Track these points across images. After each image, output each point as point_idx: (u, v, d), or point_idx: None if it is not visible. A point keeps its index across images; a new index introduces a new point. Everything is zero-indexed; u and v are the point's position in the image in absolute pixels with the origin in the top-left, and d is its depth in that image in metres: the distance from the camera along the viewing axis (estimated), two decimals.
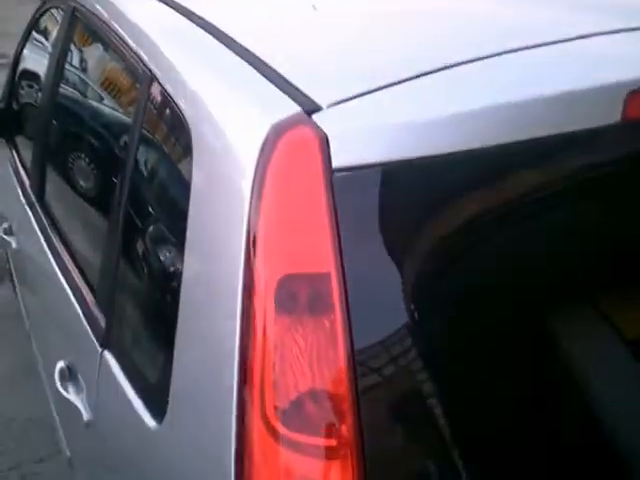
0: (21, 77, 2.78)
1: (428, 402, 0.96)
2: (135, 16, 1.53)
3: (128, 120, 1.44)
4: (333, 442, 0.89)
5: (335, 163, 0.93)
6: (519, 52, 1.11)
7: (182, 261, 1.07)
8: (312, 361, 0.91)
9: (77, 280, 1.60)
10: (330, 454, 0.89)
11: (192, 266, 1.06)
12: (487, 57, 1.09)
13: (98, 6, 1.73)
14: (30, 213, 2.08)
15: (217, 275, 1.00)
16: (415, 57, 1.12)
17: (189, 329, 1.06)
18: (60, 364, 1.53)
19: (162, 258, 1.23)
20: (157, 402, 1.12)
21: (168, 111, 1.21)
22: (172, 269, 1.13)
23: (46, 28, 2.50)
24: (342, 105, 0.99)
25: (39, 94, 2.33)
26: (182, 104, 1.16)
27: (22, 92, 2.79)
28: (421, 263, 0.98)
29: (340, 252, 0.91)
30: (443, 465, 0.95)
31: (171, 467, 1.09)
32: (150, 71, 1.30)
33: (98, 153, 1.75)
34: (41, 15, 2.52)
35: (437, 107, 1.00)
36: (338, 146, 0.93)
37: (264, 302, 0.92)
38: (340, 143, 0.94)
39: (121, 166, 1.39)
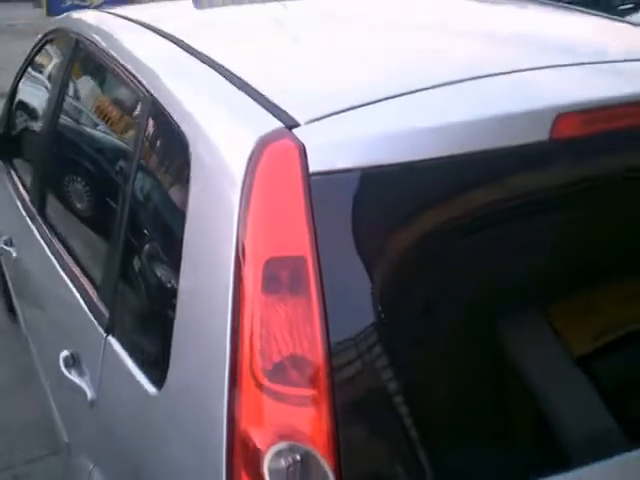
0: (19, 105, 2.98)
1: (389, 367, 1.16)
2: (136, 47, 1.76)
3: (131, 137, 1.64)
4: (308, 393, 1.09)
5: (311, 169, 1.14)
6: (472, 81, 1.34)
7: (181, 251, 1.27)
8: (292, 331, 1.11)
9: (81, 279, 1.79)
10: (305, 402, 1.09)
11: (190, 253, 1.26)
12: (443, 85, 1.31)
13: (100, 38, 1.96)
14: (31, 224, 2.27)
15: (212, 260, 1.20)
16: (378, 83, 1.35)
17: (188, 308, 1.26)
18: (64, 353, 1.71)
19: (162, 251, 1.44)
20: (158, 371, 1.31)
21: (168, 129, 1.42)
22: (171, 259, 1.33)
23: (47, 58, 2.71)
24: (317, 122, 1.20)
25: (38, 119, 2.53)
26: (180, 122, 1.37)
27: (20, 118, 2.99)
28: (384, 253, 1.19)
29: (315, 240, 1.12)
30: (402, 414, 1.15)
31: (171, 426, 1.28)
32: (151, 94, 1.52)
33: (102, 166, 1.96)
34: (42, 46, 2.73)
35: (394, 124, 1.22)
36: (314, 155, 1.14)
37: (253, 282, 1.12)
38: (315, 153, 1.15)
39: (125, 175, 1.59)
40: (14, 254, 2.46)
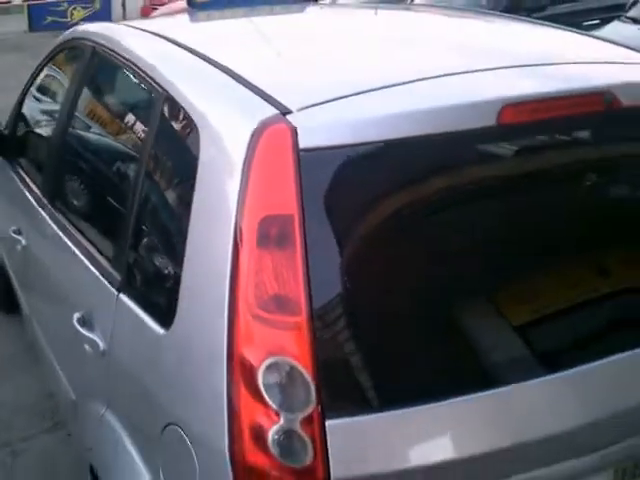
0: (30, 109, 3.26)
1: (357, 303, 1.43)
2: (149, 51, 2.07)
3: (147, 125, 1.91)
4: (292, 320, 1.36)
5: (301, 146, 1.42)
6: (439, 78, 1.65)
7: (190, 212, 1.55)
8: (277, 279, 1.38)
9: (93, 252, 2.06)
10: (290, 327, 1.36)
11: (198, 213, 1.53)
12: (413, 81, 1.62)
13: (117, 45, 2.25)
14: (43, 212, 2.54)
15: (217, 218, 1.47)
16: (357, 80, 1.65)
17: (194, 260, 1.53)
18: (77, 315, 1.97)
19: (172, 214, 1.72)
20: (166, 315, 1.58)
21: (180, 117, 1.71)
22: (181, 220, 1.60)
23: (61, 65, 2.98)
24: (305, 110, 1.49)
25: (52, 119, 2.81)
26: (191, 113, 1.66)
27: (29, 121, 3.26)
28: (358, 214, 1.47)
29: (302, 202, 1.40)
30: (366, 339, 1.42)
31: (178, 358, 1.55)
32: (165, 90, 1.80)
33: (118, 150, 2.23)
34: (54, 55, 3.01)
35: (368, 112, 1.51)
36: (302, 135, 1.43)
37: (249, 234, 1.40)
38: (304, 133, 1.43)
39: (140, 156, 1.87)
40: (23, 241, 2.71)
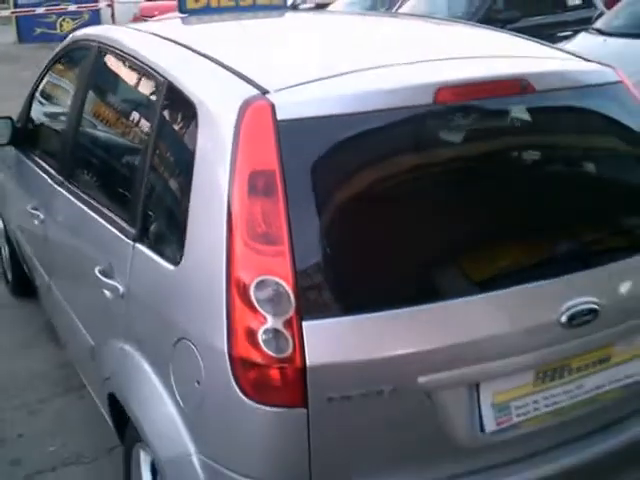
0: (41, 102, 3.67)
1: (329, 236, 1.81)
2: (151, 47, 2.53)
3: (152, 107, 2.32)
4: (276, 249, 1.77)
5: (278, 118, 1.83)
6: (392, 66, 2.09)
7: (192, 172, 1.96)
8: (264, 218, 1.79)
9: (109, 214, 2.46)
10: (275, 253, 1.76)
11: (199, 172, 1.94)
12: (372, 68, 2.06)
13: (122, 43, 2.69)
14: (60, 188, 2.95)
15: (214, 174, 1.88)
16: (323, 68, 2.07)
17: (197, 209, 1.94)
18: (98, 268, 2.38)
19: (178, 174, 2.13)
20: (175, 255, 1.98)
21: (180, 99, 2.12)
22: (185, 178, 2.00)
23: (69, 62, 3.40)
24: (280, 90, 1.91)
25: (64, 109, 3.22)
26: (189, 94, 2.07)
27: (41, 113, 3.67)
28: (326, 168, 1.87)
29: (281, 160, 1.81)
30: (336, 259, 1.81)
31: (185, 289, 1.95)
32: (166, 78, 2.22)
33: (128, 126, 2.64)
34: (62, 54, 3.43)
35: (330, 92, 1.93)
36: (279, 109, 1.84)
37: (242, 195, 1.81)
38: (280, 108, 1.84)
39: (148, 131, 2.29)
40: (42, 216, 3.12)
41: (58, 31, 19.22)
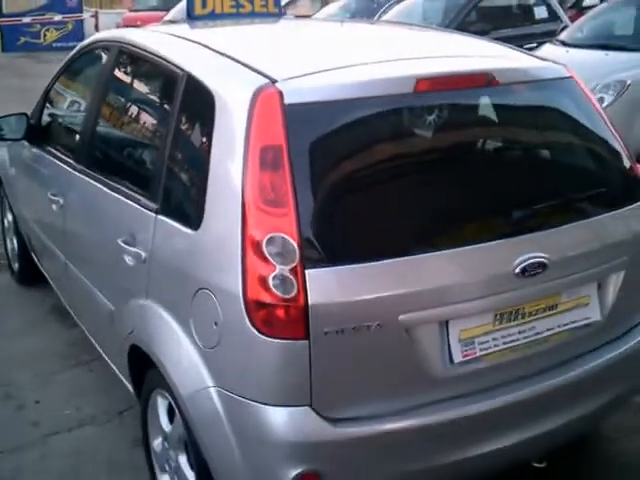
0: (58, 98, 4.05)
1: (328, 198, 2.22)
2: (170, 45, 2.94)
3: (174, 96, 2.67)
4: (283, 210, 2.15)
5: (286, 102, 2.23)
6: (380, 63, 2.52)
7: (210, 149, 2.34)
8: (273, 186, 2.17)
9: (130, 193, 2.83)
10: (281, 214, 2.14)
11: (217, 149, 2.33)
12: (364, 64, 2.47)
13: (140, 42, 3.10)
14: (79, 174, 3.32)
15: (231, 151, 2.27)
16: (325, 62, 2.48)
17: (215, 181, 2.32)
18: (121, 239, 2.75)
19: (198, 153, 2.50)
20: (195, 221, 2.36)
21: (199, 89, 2.50)
22: (205, 155, 2.37)
23: (89, 61, 3.77)
24: (287, 80, 2.30)
25: (84, 103, 3.61)
26: (207, 83, 2.46)
27: (57, 109, 4.05)
28: (326, 144, 2.27)
29: (287, 137, 2.19)
30: (334, 220, 2.22)
31: (203, 249, 2.33)
32: (185, 71, 2.61)
33: (150, 113, 3.05)
34: (80, 55, 3.81)
35: (328, 82, 2.34)
36: (286, 96, 2.24)
37: (254, 167, 2.20)
38: (287, 94, 2.24)
39: (170, 116, 2.66)
40: (61, 201, 3.48)
41: (42, 41, 19.46)
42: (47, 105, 4.16)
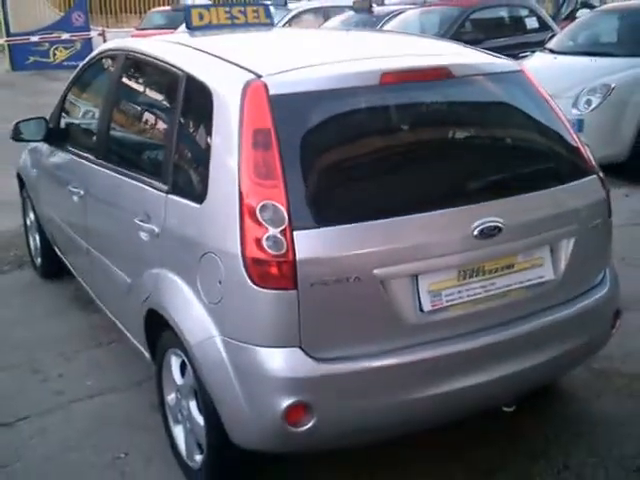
0: (73, 102, 4.49)
1: (310, 171, 2.64)
2: (171, 50, 3.37)
3: (176, 93, 3.09)
4: (273, 183, 2.55)
5: (270, 93, 2.64)
6: (352, 61, 2.95)
7: (211, 135, 2.75)
8: (264, 162, 2.57)
9: (144, 178, 3.25)
10: (272, 185, 2.54)
11: (216, 135, 2.74)
12: (340, 61, 2.92)
13: (145, 49, 3.53)
14: (98, 167, 3.74)
15: (228, 134, 2.67)
16: (302, 60, 2.90)
17: (216, 160, 2.72)
18: (137, 218, 3.16)
19: (200, 139, 2.92)
20: (199, 196, 2.76)
21: (198, 86, 2.92)
22: (207, 139, 2.79)
23: (100, 68, 4.21)
24: (271, 75, 2.72)
25: (97, 104, 4.03)
26: (205, 82, 2.88)
27: (73, 111, 4.48)
28: (306, 127, 2.68)
29: (274, 121, 2.60)
30: (318, 189, 2.63)
31: (208, 220, 2.73)
32: (185, 72, 3.04)
33: (157, 110, 3.48)
34: (92, 63, 4.24)
35: (305, 76, 2.76)
36: (270, 87, 2.65)
37: (248, 147, 2.60)
38: (271, 87, 2.65)
39: (175, 110, 3.08)
40: (81, 192, 3.91)
41: (52, 60, 19.91)
42: (64, 109, 4.59)
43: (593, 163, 3.14)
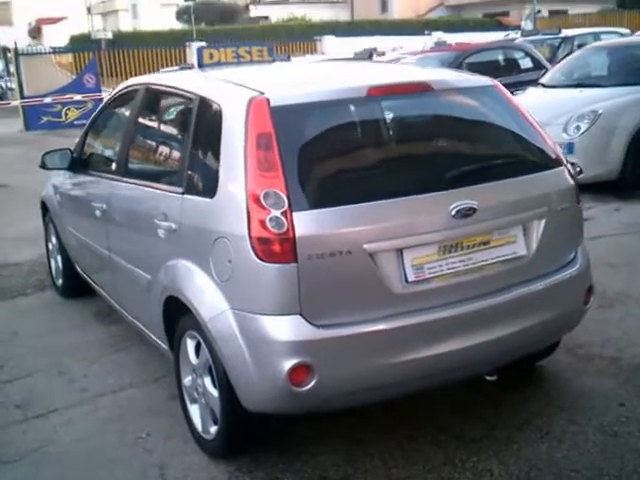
0: (96, 134, 4.96)
1: (307, 163, 3.05)
2: (186, 79, 3.85)
3: (191, 112, 3.53)
4: (273, 173, 2.95)
5: (271, 105, 3.07)
6: (342, 80, 3.46)
7: (220, 142, 3.17)
8: (266, 158, 2.98)
9: (160, 185, 3.67)
10: (272, 176, 2.94)
11: (226, 139, 3.15)
12: (329, 82, 3.42)
13: (162, 80, 4.00)
14: (119, 183, 4.17)
15: (235, 139, 3.08)
16: (299, 81, 3.38)
17: (225, 160, 3.13)
18: (156, 219, 3.57)
19: (211, 146, 3.30)
20: (211, 191, 3.16)
21: (211, 105, 3.36)
22: (216, 145, 3.19)
23: (121, 101, 4.67)
24: (272, 92, 3.17)
25: (119, 130, 4.49)
26: (215, 99, 3.32)
27: (96, 140, 4.94)
28: (303, 132, 3.12)
29: (275, 126, 3.01)
30: (315, 176, 3.06)
31: (220, 210, 3.12)
32: (198, 95, 3.49)
33: (174, 126, 3.92)
34: (117, 96, 4.71)
35: (301, 91, 3.22)
36: (272, 101, 3.09)
37: (252, 148, 3.01)
38: (272, 100, 3.09)
39: (190, 125, 3.51)
40: (104, 206, 4.33)
41: (63, 119, 20.52)
42: (86, 140, 5.05)
43: (561, 157, 3.54)
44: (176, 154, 3.74)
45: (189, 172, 3.45)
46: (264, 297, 2.96)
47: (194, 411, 3.54)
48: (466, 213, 3.10)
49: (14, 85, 22.06)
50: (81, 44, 26.71)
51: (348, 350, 2.98)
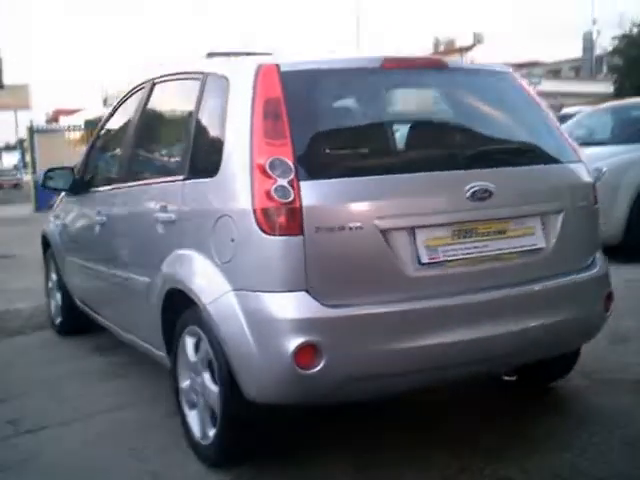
0: (97, 149, 4.88)
1: (315, 132, 2.95)
2: (192, 62, 3.78)
3: (201, 82, 3.42)
4: (282, 141, 2.83)
5: (282, 69, 2.99)
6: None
7: (227, 108, 3.07)
8: (274, 125, 2.86)
9: (162, 177, 3.57)
10: (281, 144, 2.81)
11: (232, 107, 3.06)
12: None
13: (170, 71, 3.93)
14: (117, 191, 4.09)
15: (243, 105, 2.97)
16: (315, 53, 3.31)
17: (231, 135, 3.03)
18: (158, 211, 3.45)
19: (217, 116, 3.18)
20: (213, 172, 3.04)
21: (218, 76, 3.27)
22: (224, 116, 3.08)
23: (125, 108, 4.55)
24: (282, 58, 3.11)
25: (117, 142, 4.42)
26: (223, 75, 3.23)
27: (98, 156, 4.86)
28: (312, 99, 3.03)
29: (284, 92, 2.92)
30: (324, 145, 2.96)
31: (221, 186, 2.98)
32: (206, 72, 3.41)
33: (177, 119, 3.87)
34: (130, 95, 4.55)
35: (318, 58, 3.19)
36: (282, 66, 2.99)
37: (259, 115, 2.91)
38: (282, 65, 2.99)
39: (196, 103, 3.41)
40: (104, 218, 4.22)
41: None
42: (89, 160, 4.96)
43: (580, 153, 3.44)
44: (180, 141, 3.60)
45: (192, 155, 3.35)
46: (268, 273, 2.80)
47: (192, 417, 3.32)
48: (482, 196, 2.98)
49: (29, 177, 22.34)
50: (94, 122, 27.06)
51: (357, 331, 2.80)
